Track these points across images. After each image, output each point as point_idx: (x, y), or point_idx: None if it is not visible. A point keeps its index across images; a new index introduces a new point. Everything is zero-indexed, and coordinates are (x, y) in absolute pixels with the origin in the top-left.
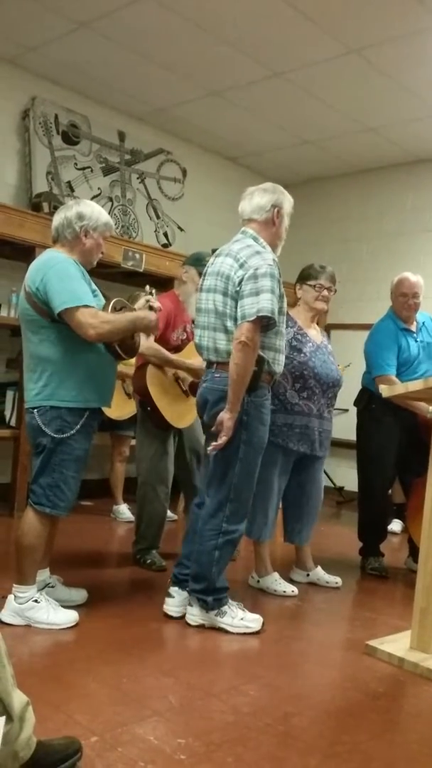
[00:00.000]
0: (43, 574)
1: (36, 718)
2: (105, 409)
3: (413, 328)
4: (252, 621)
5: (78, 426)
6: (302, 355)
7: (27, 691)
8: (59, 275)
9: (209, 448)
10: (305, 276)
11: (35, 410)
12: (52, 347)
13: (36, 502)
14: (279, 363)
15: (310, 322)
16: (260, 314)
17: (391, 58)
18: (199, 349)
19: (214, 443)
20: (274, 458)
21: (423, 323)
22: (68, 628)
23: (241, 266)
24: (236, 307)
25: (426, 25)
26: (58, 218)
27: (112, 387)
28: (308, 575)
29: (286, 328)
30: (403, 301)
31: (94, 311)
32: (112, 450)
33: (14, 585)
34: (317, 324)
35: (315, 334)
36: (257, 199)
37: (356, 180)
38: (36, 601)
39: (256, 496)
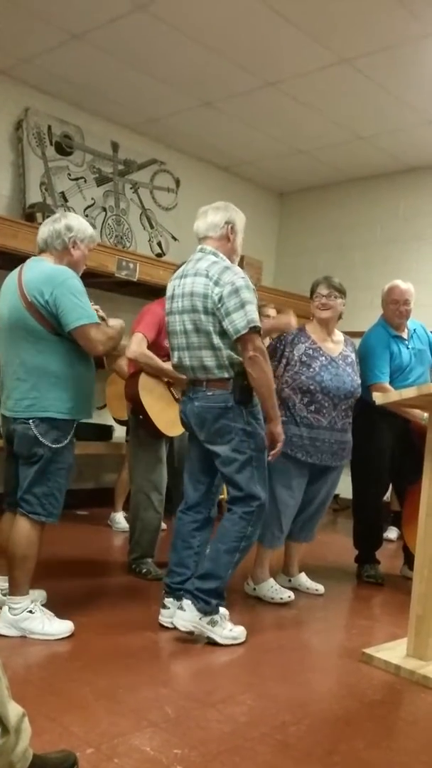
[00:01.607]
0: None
1: (32, 729)
2: (120, 414)
3: (404, 335)
4: (239, 633)
5: (70, 436)
6: (311, 370)
7: (22, 702)
8: (72, 291)
9: (268, 458)
10: (310, 292)
11: (30, 421)
12: (50, 359)
13: (31, 511)
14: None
15: (327, 335)
16: (251, 325)
17: (382, 67)
18: (180, 369)
19: (273, 452)
20: (286, 468)
21: (414, 330)
22: (63, 638)
23: (216, 283)
24: (219, 324)
25: (416, 35)
26: (46, 229)
27: (94, 399)
28: (290, 581)
29: (298, 344)
30: (394, 308)
31: (102, 327)
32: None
33: (8, 596)
34: (334, 334)
35: (332, 347)
36: (211, 217)
37: (348, 188)
38: (30, 611)
39: (272, 507)
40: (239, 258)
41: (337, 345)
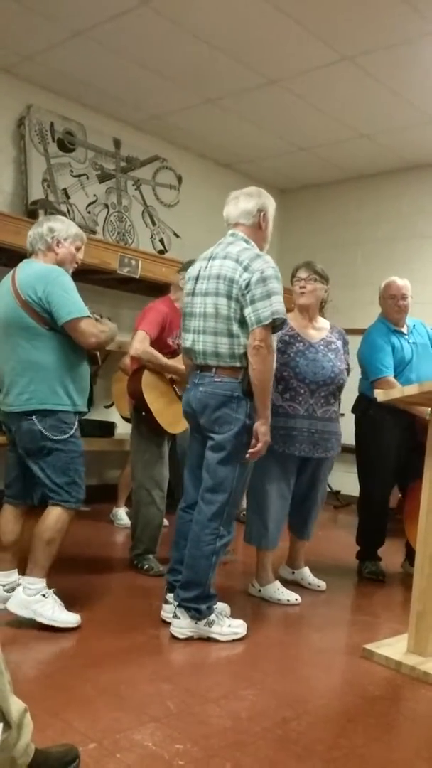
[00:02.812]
0: (13, 575)
1: (34, 725)
2: (128, 412)
3: (404, 330)
4: (238, 626)
5: (75, 427)
6: (285, 356)
7: (24, 697)
8: (63, 287)
9: (246, 456)
10: (291, 277)
11: (34, 417)
12: (46, 353)
13: (62, 500)
14: (274, 362)
15: (308, 321)
16: (275, 316)
17: (385, 65)
18: (191, 353)
19: (251, 450)
20: (266, 463)
21: (413, 326)
22: (70, 629)
23: (246, 269)
24: (241, 311)
25: (419, 33)
26: (30, 233)
27: (90, 393)
28: (293, 573)
29: None
30: (392, 303)
31: (94, 321)
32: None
33: (24, 576)
34: (316, 321)
35: (313, 333)
36: (243, 204)
37: (350, 186)
38: (44, 595)
39: (255, 503)
40: (267, 247)
41: (319, 332)
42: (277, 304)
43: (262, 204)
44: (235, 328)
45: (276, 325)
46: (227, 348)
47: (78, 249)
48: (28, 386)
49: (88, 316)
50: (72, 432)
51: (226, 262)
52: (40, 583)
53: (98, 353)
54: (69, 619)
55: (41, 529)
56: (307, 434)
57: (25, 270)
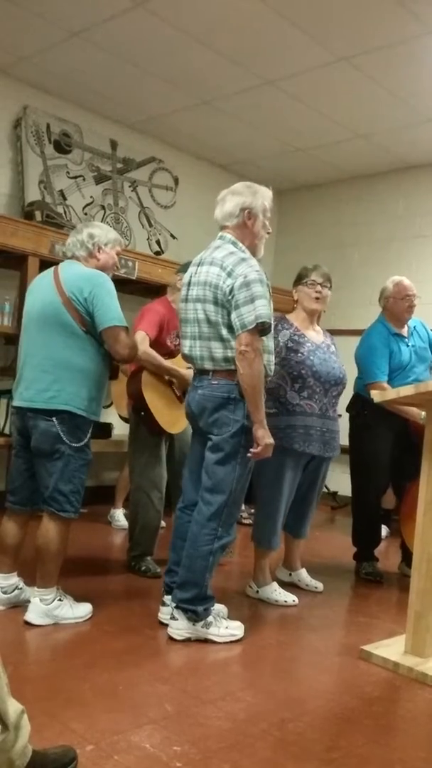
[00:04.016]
0: (12, 578)
1: (31, 726)
2: (126, 413)
3: (405, 332)
4: (236, 628)
5: (89, 433)
6: (299, 354)
7: (22, 699)
8: (109, 293)
9: (248, 455)
10: (299, 277)
11: (54, 419)
12: (78, 355)
13: (61, 509)
14: (271, 363)
15: (309, 324)
16: (259, 320)
17: (381, 65)
18: (189, 359)
19: (253, 450)
20: (282, 462)
21: (414, 328)
22: (87, 619)
23: (229, 275)
24: (228, 316)
25: (414, 33)
26: (69, 241)
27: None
28: (290, 575)
29: (282, 330)
30: (405, 303)
31: (130, 333)
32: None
33: (37, 589)
34: (315, 326)
35: (314, 335)
36: (227, 205)
37: (347, 186)
38: (60, 599)
39: (268, 503)
40: (263, 240)
41: (319, 335)
42: (261, 308)
43: (244, 202)
44: (225, 332)
45: (264, 328)
46: (221, 352)
47: (118, 254)
48: (53, 384)
49: (127, 327)
50: (86, 440)
51: (212, 268)
52: (54, 592)
53: (119, 367)
54: (85, 611)
55: (46, 542)
56: (320, 433)
57: (70, 269)
